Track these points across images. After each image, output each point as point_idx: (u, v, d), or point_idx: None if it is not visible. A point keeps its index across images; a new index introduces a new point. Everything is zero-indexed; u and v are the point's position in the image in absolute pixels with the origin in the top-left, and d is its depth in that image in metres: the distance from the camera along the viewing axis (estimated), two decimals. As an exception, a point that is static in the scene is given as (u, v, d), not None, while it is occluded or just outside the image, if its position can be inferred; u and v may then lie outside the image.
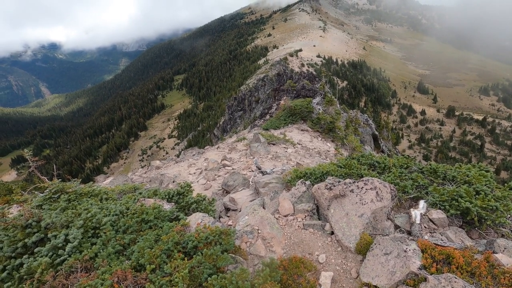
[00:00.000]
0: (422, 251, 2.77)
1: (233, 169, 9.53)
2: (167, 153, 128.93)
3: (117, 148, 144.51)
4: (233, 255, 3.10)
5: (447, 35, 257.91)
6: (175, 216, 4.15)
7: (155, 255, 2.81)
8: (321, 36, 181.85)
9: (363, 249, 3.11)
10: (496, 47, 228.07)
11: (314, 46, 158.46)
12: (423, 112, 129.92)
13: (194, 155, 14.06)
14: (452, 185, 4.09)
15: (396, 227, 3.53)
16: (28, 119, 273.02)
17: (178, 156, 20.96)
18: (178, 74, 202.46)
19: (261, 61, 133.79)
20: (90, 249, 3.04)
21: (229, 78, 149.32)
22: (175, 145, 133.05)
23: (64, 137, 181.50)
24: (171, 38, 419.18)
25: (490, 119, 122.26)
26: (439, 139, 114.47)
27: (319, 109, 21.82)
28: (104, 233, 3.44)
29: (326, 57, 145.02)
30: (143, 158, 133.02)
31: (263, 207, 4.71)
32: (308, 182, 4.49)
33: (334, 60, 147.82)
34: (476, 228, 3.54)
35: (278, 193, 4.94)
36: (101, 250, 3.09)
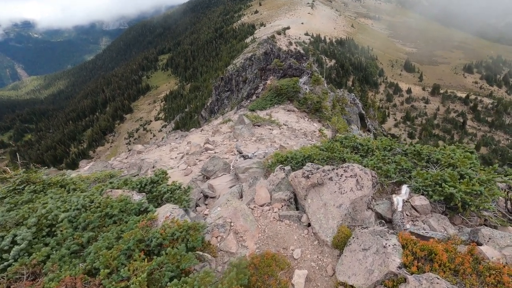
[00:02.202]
0: (403, 247, 2.59)
1: (215, 152, 9.22)
2: (154, 135, 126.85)
3: (102, 132, 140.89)
4: (201, 253, 2.86)
5: (434, 12, 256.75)
6: (144, 208, 3.85)
7: (112, 257, 2.52)
8: (309, 13, 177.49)
9: (340, 243, 2.92)
10: (482, 24, 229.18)
11: (302, 23, 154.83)
12: (409, 91, 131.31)
13: (177, 138, 13.62)
14: (436, 169, 3.93)
15: (378, 215, 3.35)
16: (5, 102, 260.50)
17: (163, 139, 20.42)
18: (163, 54, 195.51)
19: (248, 40, 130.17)
20: (41, 251, 2.72)
21: (216, 58, 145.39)
22: (162, 127, 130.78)
23: (45, 121, 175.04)
24: (153, 15, 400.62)
25: (472, 97, 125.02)
26: (423, 117, 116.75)
27: (306, 88, 21.45)
28: (61, 231, 3.11)
29: (314, 35, 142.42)
30: (129, 141, 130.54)
31: (241, 195, 4.46)
32: (287, 168, 4.25)
33: (322, 38, 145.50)
34: (460, 214, 3.42)
35: (258, 179, 4.69)
36: (54, 252, 2.78)
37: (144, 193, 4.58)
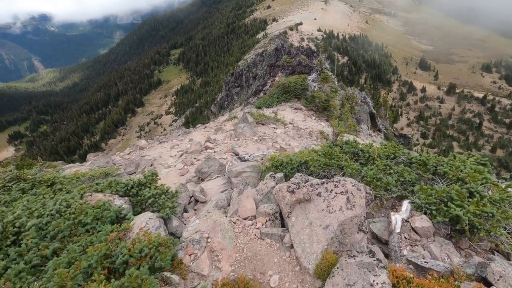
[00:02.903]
0: (394, 286, 2.25)
1: (215, 152, 8.95)
2: (164, 129, 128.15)
3: (114, 125, 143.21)
4: (169, 274, 2.58)
5: (453, 8, 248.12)
6: (123, 215, 3.61)
7: (69, 276, 2.28)
8: (322, 8, 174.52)
9: (323, 273, 2.58)
10: (503, 21, 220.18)
11: (315, 19, 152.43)
12: (423, 90, 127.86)
13: (179, 135, 13.43)
14: (443, 183, 3.53)
15: (373, 235, 3.00)
16: (22, 94, 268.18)
17: (166, 135, 20.32)
18: (175, 49, 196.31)
19: (260, 35, 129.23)
20: (-2, 264, 2.51)
21: (227, 53, 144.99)
22: (172, 121, 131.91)
23: (60, 113, 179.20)
24: (166, 10, 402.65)
25: (490, 97, 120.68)
26: (438, 117, 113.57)
27: (314, 86, 20.91)
28: (27, 240, 2.89)
29: (327, 31, 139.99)
30: (140, 134, 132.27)
31: (229, 203, 4.17)
32: (279, 175, 3.92)
33: (335, 35, 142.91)
34: (467, 238, 3.03)
35: (249, 186, 4.39)
36: (13, 265, 2.56)
37: (127, 198, 4.34)
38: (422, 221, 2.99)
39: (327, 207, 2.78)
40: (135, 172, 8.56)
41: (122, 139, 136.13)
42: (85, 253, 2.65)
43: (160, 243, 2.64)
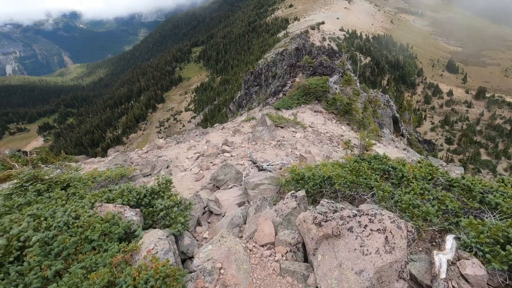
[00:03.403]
0: None
1: (231, 156, 8.69)
2: (183, 125, 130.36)
3: (135, 119, 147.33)
4: (175, 313, 2.31)
5: (484, 7, 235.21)
6: (132, 230, 3.39)
7: (66, 310, 2.06)
8: (346, 7, 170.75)
9: None
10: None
11: (338, 18, 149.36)
12: (450, 93, 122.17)
13: (197, 135, 13.31)
14: (495, 216, 3.03)
15: (412, 277, 2.56)
16: (52, 87, 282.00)
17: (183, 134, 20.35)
18: (196, 46, 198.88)
19: (280, 34, 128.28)
20: (-6, 287, 2.33)
21: (247, 52, 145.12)
22: (191, 118, 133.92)
23: (86, 107, 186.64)
24: (189, 8, 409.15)
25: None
26: (464, 122, 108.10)
27: (336, 88, 20.24)
28: (31, 257, 2.71)
29: (350, 31, 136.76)
30: (160, 130, 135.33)
31: (245, 220, 3.86)
32: (301, 194, 3.57)
33: (358, 34, 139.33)
34: (530, 290, 2.55)
35: (267, 203, 4.06)
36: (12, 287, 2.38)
37: (138, 209, 4.13)
38: (474, 268, 2.50)
39: (361, 246, 2.38)
40: (150, 174, 8.46)
41: (143, 134, 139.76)
42: (88, 279, 2.43)
43: (167, 274, 2.37)
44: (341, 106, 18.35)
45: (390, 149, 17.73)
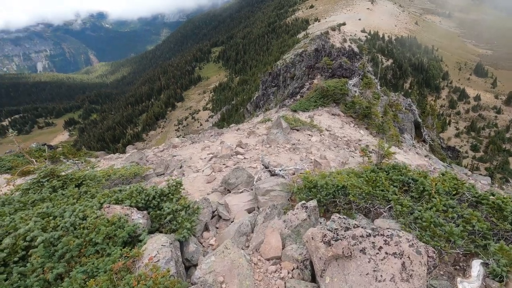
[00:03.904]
0: None
1: (245, 158, 8.57)
2: (201, 124, 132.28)
3: (155, 117, 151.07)
4: (171, 330, 2.21)
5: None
6: (137, 234, 3.33)
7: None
8: (368, 8, 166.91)
9: None
10: None
11: (359, 19, 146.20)
12: (477, 98, 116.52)
13: (212, 135, 13.32)
14: (529, 242, 2.72)
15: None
16: (78, 84, 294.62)
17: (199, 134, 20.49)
18: (216, 46, 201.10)
19: (300, 35, 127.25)
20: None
21: (266, 52, 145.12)
22: (209, 117, 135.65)
23: (109, 104, 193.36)
24: (210, 9, 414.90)
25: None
26: (492, 129, 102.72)
27: (355, 91, 19.69)
28: (35, 258, 2.70)
29: (372, 32, 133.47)
30: (178, 128, 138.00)
31: (252, 229, 3.72)
32: (312, 205, 3.37)
33: (380, 36, 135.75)
34: None
35: (276, 210, 3.90)
36: (12, 290, 2.36)
37: (147, 210, 4.09)
38: (504, 301, 2.23)
39: (374, 271, 2.16)
40: (163, 174, 8.50)
41: (162, 131, 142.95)
42: (87, 286, 2.37)
43: (166, 286, 2.27)
44: (360, 109, 17.83)
45: (410, 155, 17.00)
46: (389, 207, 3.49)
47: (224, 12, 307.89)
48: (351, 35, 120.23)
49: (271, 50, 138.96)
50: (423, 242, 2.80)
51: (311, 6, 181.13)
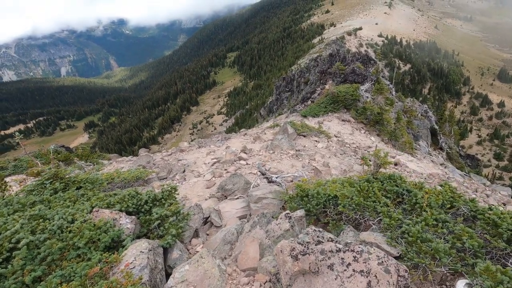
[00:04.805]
0: None
1: (247, 164, 8.54)
2: (215, 128, 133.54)
3: (171, 121, 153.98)
4: None
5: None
6: (121, 239, 3.35)
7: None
8: (385, 13, 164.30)
9: None
10: None
11: (376, 24, 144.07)
12: (501, 104, 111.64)
13: (218, 140, 13.37)
14: (522, 262, 2.52)
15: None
16: (99, 88, 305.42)
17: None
18: (231, 52, 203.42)
19: (315, 40, 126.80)
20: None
21: (281, 57, 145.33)
22: (223, 121, 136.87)
23: (127, 107, 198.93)
24: (226, 14, 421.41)
25: None
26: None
27: (367, 97, 19.32)
28: (16, 261, 2.76)
29: (389, 37, 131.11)
30: (193, 131, 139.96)
31: (237, 239, 3.66)
32: (298, 214, 3.28)
33: (398, 40, 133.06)
34: None
35: (265, 219, 3.84)
36: (-11, 292, 2.42)
37: (137, 215, 4.12)
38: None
39: (340, 287, 2.06)
40: (166, 178, 8.59)
41: (177, 135, 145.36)
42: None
43: (133, 295, 2.27)
44: (371, 115, 17.45)
45: (424, 163, 16.41)
46: (379, 219, 3.35)
47: (239, 17, 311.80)
48: (367, 40, 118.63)
49: (286, 55, 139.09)
50: (408, 258, 2.66)
51: (327, 11, 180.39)
